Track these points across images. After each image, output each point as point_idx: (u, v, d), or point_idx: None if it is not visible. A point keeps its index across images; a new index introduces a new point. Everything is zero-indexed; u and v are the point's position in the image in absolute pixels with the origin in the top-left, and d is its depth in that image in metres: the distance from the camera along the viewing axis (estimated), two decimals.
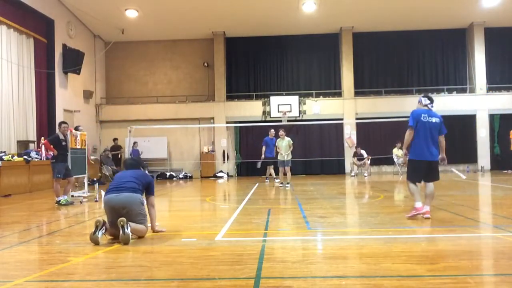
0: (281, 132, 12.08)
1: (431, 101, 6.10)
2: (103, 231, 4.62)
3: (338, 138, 18.88)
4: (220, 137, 19.00)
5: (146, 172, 5.24)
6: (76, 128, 10.52)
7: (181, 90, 19.96)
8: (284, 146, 11.85)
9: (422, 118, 5.91)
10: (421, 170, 5.92)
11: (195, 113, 18.73)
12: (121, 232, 4.48)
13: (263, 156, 13.55)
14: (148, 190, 5.10)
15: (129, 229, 4.53)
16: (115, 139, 18.39)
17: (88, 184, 10.98)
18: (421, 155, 5.89)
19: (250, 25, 18.75)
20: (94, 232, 4.54)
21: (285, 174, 12.10)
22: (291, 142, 11.96)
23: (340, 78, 19.62)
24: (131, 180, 4.94)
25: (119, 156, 18.21)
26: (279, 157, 12.04)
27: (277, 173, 13.12)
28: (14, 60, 13.53)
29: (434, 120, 6.02)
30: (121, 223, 4.49)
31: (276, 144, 12.19)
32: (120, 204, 4.75)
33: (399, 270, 3.41)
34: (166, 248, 4.42)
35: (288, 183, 12.03)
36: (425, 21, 18.55)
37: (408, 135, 5.95)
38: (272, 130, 13.62)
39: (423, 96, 6.20)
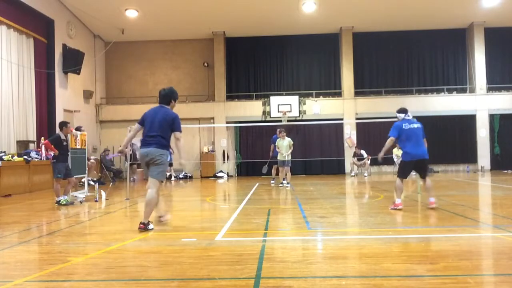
0: (283, 133, 12.05)
1: (405, 112, 7.28)
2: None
3: (338, 138, 18.88)
4: (220, 137, 19.00)
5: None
6: (78, 129, 10.53)
7: (181, 90, 19.86)
8: (285, 146, 11.86)
9: (403, 127, 7.00)
10: (411, 168, 7.11)
11: (195, 113, 18.73)
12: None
13: (271, 153, 12.96)
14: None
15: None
16: None
17: (88, 184, 10.97)
18: (414, 155, 6.91)
19: (250, 25, 18.75)
20: None
21: (277, 173, 12.07)
22: (292, 142, 11.98)
23: (340, 78, 19.62)
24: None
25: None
26: (280, 157, 12.02)
27: (276, 173, 13.04)
28: (14, 60, 13.54)
29: (416, 126, 7.08)
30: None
31: (277, 144, 12.17)
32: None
33: (399, 270, 3.41)
34: (166, 248, 4.42)
35: (288, 183, 12.04)
36: (425, 21, 18.55)
37: (388, 142, 7.07)
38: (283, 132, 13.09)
39: (397, 112, 7.38)
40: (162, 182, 5.63)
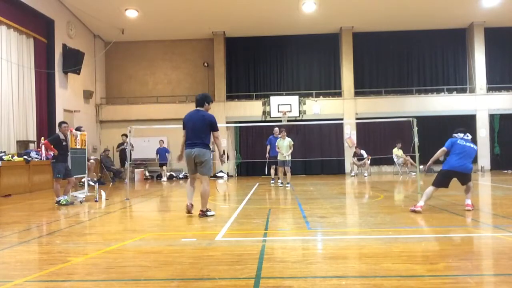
0: (283, 133, 12.03)
1: (465, 133, 7.31)
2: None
3: (338, 138, 18.88)
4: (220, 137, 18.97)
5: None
6: (78, 129, 10.51)
7: (181, 90, 19.97)
8: (285, 146, 11.84)
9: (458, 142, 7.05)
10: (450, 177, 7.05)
11: None
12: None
13: (267, 155, 12.92)
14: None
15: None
16: (123, 135, 17.87)
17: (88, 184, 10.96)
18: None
19: (250, 25, 18.75)
20: None
21: (285, 174, 12.05)
22: (292, 142, 11.94)
23: (340, 78, 19.62)
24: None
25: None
26: (280, 157, 12.00)
27: (275, 173, 13.00)
28: (14, 60, 13.54)
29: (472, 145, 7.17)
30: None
31: (277, 144, 12.14)
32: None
33: (399, 270, 3.41)
34: (166, 248, 4.42)
35: (288, 183, 12.04)
36: (425, 21, 18.55)
37: (440, 152, 7.17)
38: (276, 129, 13.00)
39: (456, 133, 7.45)
40: (211, 176, 6.55)
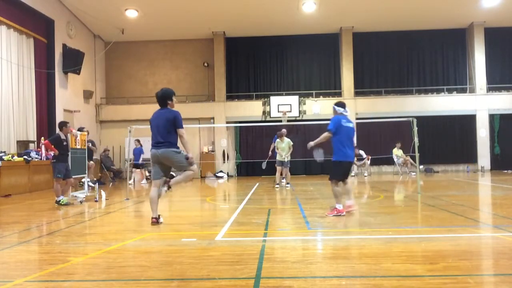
0: (282, 133, 11.91)
1: (344, 107, 6.52)
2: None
3: None
4: (220, 137, 19.00)
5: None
6: (80, 129, 10.50)
7: (181, 90, 19.91)
8: (284, 147, 11.77)
9: (343, 124, 6.35)
10: (345, 170, 6.47)
11: (195, 113, 18.70)
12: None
13: (270, 153, 12.58)
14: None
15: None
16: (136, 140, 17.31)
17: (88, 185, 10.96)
18: (347, 156, 6.35)
19: (250, 25, 18.75)
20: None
21: (281, 174, 11.96)
22: (291, 143, 11.83)
23: (340, 78, 19.63)
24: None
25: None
26: (279, 158, 11.91)
27: (273, 173, 12.80)
28: (14, 60, 13.53)
29: (351, 125, 6.48)
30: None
31: (276, 145, 12.04)
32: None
33: (399, 270, 3.41)
34: (166, 248, 4.42)
35: (288, 183, 12.01)
36: (425, 21, 18.56)
37: (325, 137, 6.49)
38: (284, 130, 12.31)
39: (336, 105, 6.56)
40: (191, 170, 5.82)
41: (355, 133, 6.63)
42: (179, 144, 5.83)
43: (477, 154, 18.88)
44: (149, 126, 5.95)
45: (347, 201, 6.45)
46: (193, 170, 5.81)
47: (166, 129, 5.72)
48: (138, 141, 16.11)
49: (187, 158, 5.71)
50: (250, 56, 20.02)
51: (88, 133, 10.95)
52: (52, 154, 8.69)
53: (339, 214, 6.25)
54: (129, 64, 20.21)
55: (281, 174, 11.99)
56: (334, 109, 6.55)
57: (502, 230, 5.03)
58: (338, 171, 6.40)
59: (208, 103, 19.15)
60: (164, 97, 5.88)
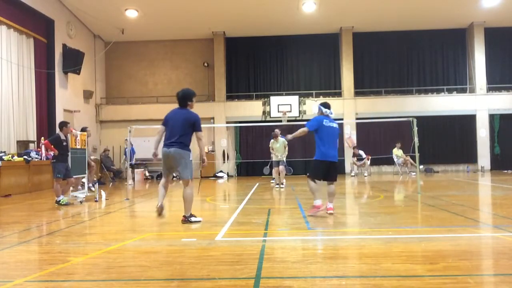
0: (278, 135, 11.71)
1: (329, 108, 6.48)
2: None
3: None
4: (220, 137, 19.00)
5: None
6: (83, 129, 10.46)
7: None
8: (279, 147, 11.69)
9: (324, 123, 6.30)
10: (323, 170, 6.34)
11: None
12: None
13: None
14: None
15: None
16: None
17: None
18: (325, 156, 6.27)
19: (250, 25, 18.75)
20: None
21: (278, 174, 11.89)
22: (286, 142, 11.60)
23: (340, 78, 19.63)
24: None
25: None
26: (274, 158, 11.83)
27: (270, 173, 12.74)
28: (14, 60, 13.53)
29: (334, 125, 6.43)
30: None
31: (271, 146, 11.95)
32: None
33: (399, 270, 3.41)
34: (166, 248, 4.42)
35: (282, 183, 11.85)
36: (425, 21, 18.55)
37: (302, 131, 6.54)
38: (277, 130, 12.13)
39: (321, 105, 6.54)
40: (191, 179, 5.98)
41: (338, 134, 6.53)
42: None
43: (477, 154, 18.88)
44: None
45: (328, 203, 6.35)
46: (188, 190, 5.90)
47: (183, 130, 5.78)
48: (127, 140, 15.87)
49: (203, 161, 6.10)
50: (250, 56, 20.02)
51: (89, 135, 10.83)
52: (52, 154, 8.69)
53: (317, 210, 6.26)
54: (129, 64, 20.21)
55: (279, 174, 11.89)
56: (319, 109, 6.55)
57: (502, 230, 5.03)
58: (317, 170, 6.39)
59: (208, 103, 19.14)
60: (185, 98, 5.94)
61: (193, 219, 5.91)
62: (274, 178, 13.06)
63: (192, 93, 6.03)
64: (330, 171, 6.36)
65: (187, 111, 5.92)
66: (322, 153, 6.27)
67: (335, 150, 6.37)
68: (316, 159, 6.35)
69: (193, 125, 5.83)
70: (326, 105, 6.52)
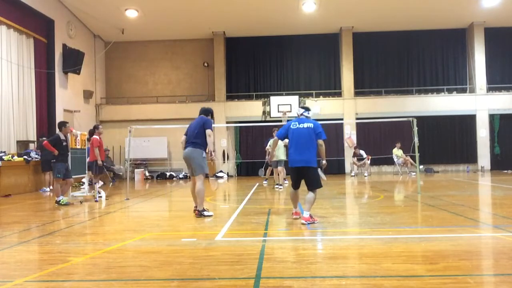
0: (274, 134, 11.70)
1: (306, 109, 6.23)
2: None
3: (338, 138, 18.87)
4: (220, 137, 18.99)
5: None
6: (96, 127, 10.23)
7: (181, 90, 19.97)
8: (281, 147, 11.65)
9: (291, 126, 6.04)
10: (294, 176, 6.05)
11: (195, 113, 18.26)
12: None
13: (268, 157, 12.33)
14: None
15: None
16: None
17: (89, 184, 10.96)
18: (291, 161, 5.97)
19: (250, 25, 18.75)
20: None
21: (272, 174, 11.84)
22: (287, 141, 11.49)
23: (340, 78, 19.62)
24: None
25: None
26: (274, 158, 11.76)
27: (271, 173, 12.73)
28: (14, 60, 13.53)
29: (305, 125, 5.93)
30: None
31: (269, 146, 11.91)
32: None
33: (399, 270, 3.41)
34: (166, 248, 4.42)
35: (279, 184, 11.78)
36: (425, 21, 18.55)
37: (274, 141, 6.63)
38: (275, 129, 12.55)
39: (300, 107, 6.44)
40: (205, 175, 6.65)
41: (314, 134, 5.86)
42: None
43: (477, 154, 18.88)
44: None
45: (304, 211, 5.70)
46: (200, 186, 6.47)
47: (196, 131, 6.52)
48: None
49: (211, 154, 6.72)
50: (250, 56, 20.01)
51: (101, 132, 10.59)
52: (52, 154, 8.68)
53: (295, 217, 6.04)
54: (129, 64, 20.20)
55: (278, 174, 11.87)
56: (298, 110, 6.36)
57: (502, 230, 5.03)
58: (291, 177, 6.12)
59: (208, 103, 19.11)
60: (205, 112, 6.87)
61: (205, 213, 6.45)
62: (266, 179, 13.07)
63: (210, 110, 6.94)
64: (301, 177, 5.91)
65: (201, 117, 6.72)
66: (290, 159, 5.97)
67: (306, 154, 5.79)
68: (289, 165, 6.04)
69: (204, 124, 6.51)
70: (303, 107, 6.32)
